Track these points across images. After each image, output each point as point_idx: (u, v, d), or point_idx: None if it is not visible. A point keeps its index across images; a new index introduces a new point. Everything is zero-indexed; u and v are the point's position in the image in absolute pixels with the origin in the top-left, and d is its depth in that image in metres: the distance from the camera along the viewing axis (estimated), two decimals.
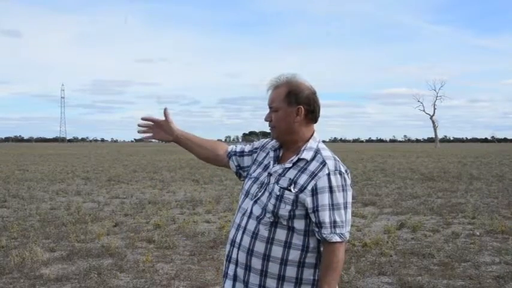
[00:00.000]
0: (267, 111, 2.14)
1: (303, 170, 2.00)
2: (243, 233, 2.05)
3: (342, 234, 1.95)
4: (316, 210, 1.94)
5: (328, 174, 1.96)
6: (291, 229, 1.97)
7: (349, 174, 2.05)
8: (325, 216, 1.94)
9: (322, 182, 1.95)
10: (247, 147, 2.33)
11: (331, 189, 1.95)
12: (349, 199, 1.99)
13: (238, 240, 2.06)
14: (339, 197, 1.95)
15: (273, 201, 1.99)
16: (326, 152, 2.04)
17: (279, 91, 2.09)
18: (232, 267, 2.08)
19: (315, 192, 1.94)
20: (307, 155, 2.03)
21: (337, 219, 1.94)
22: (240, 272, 2.04)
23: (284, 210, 1.96)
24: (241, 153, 2.31)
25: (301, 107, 2.06)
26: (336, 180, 1.96)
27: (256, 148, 2.29)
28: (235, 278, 2.06)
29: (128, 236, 7.13)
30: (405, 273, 5.27)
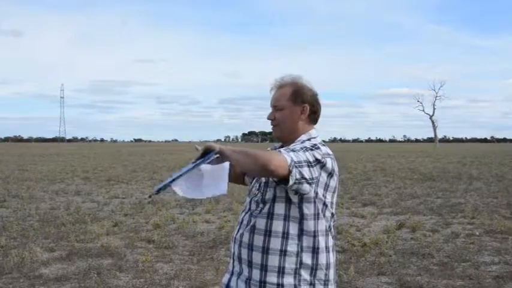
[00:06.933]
0: (269, 110, 2.20)
1: None
2: (240, 227, 2.14)
3: (291, 157, 1.87)
4: None
5: (302, 143, 2.04)
6: (270, 216, 2.01)
7: (334, 161, 2.04)
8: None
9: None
10: None
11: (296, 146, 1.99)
12: (310, 158, 1.93)
13: (235, 234, 2.16)
14: (300, 148, 1.96)
15: (261, 188, 2.07)
16: (312, 141, 2.07)
17: (284, 90, 2.15)
18: (230, 261, 2.18)
19: None
20: (293, 145, 2.08)
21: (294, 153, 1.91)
22: (236, 264, 2.12)
23: (270, 193, 2.02)
24: None
25: (307, 105, 2.13)
26: (307, 143, 2.02)
27: None
28: (232, 272, 2.14)
29: (128, 236, 7.13)
30: (405, 273, 5.27)
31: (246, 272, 2.06)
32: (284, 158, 1.84)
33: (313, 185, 1.96)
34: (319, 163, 1.95)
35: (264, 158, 1.82)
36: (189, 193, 2.05)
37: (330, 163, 2.00)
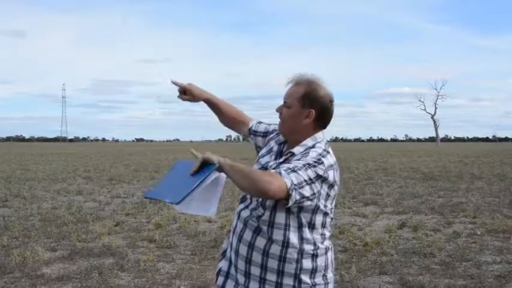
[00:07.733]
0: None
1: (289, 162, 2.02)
2: (238, 219, 2.13)
3: (291, 180, 1.84)
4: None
5: (305, 156, 2.00)
6: (271, 225, 2.00)
7: (336, 171, 2.03)
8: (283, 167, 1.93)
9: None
10: (263, 127, 2.39)
11: (299, 161, 1.96)
12: (312, 175, 1.91)
13: (234, 225, 2.16)
14: (302, 165, 1.92)
15: None
16: (317, 150, 2.04)
17: (297, 89, 2.11)
18: (228, 248, 2.19)
19: None
20: (297, 150, 2.06)
21: (295, 174, 1.87)
22: (233, 254, 2.13)
23: (270, 201, 1.98)
24: (255, 133, 2.40)
25: (313, 111, 2.08)
26: (310, 158, 1.97)
27: (271, 132, 2.34)
28: (230, 261, 2.16)
29: (129, 236, 7.14)
30: (406, 273, 5.27)
31: (242, 267, 2.07)
32: (284, 181, 1.82)
33: (315, 200, 1.96)
34: (321, 178, 1.94)
35: (264, 182, 1.79)
36: (182, 207, 2.00)
37: (331, 176, 1.99)
